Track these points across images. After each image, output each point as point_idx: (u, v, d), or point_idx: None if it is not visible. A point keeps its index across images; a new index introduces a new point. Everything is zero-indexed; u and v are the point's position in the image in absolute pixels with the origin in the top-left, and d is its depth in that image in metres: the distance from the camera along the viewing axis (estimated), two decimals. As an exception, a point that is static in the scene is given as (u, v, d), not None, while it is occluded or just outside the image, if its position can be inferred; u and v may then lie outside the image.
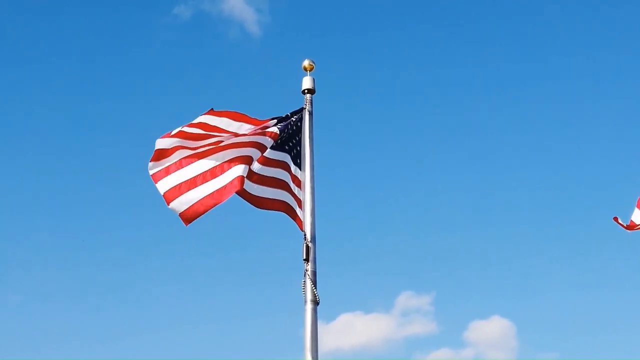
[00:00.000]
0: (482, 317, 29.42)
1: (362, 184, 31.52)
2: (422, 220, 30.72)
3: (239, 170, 8.57)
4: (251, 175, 8.86)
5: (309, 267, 8.57)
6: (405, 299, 28.97)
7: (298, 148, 9.32)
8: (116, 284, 28.01)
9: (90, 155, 30.72)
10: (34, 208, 29.97)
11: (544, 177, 31.45)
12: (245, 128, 9.15)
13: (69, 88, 31.61)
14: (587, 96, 32.14)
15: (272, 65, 31.40)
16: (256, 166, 8.98)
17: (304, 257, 8.60)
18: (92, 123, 31.44)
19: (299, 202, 9.06)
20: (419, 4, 33.40)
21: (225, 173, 8.63)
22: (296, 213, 9.03)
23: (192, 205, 8.55)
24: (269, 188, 9.09)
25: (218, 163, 8.68)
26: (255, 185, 9.03)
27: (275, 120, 9.24)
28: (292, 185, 9.19)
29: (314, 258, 8.66)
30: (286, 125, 9.20)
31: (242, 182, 8.55)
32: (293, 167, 9.27)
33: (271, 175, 9.10)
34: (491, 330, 28.64)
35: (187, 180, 8.67)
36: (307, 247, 8.64)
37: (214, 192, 8.57)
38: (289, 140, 9.27)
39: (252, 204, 9.01)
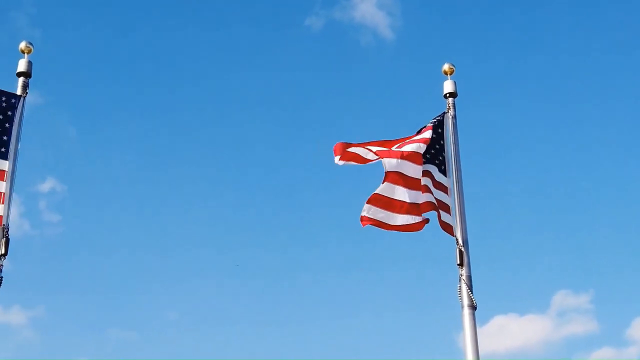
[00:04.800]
0: (646, 314, 28.36)
1: (512, 184, 30.90)
2: (576, 217, 29.92)
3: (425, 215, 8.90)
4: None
5: (464, 271, 8.52)
6: (562, 299, 28.28)
7: (442, 155, 9.23)
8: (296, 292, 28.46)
9: (255, 178, 31.12)
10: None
11: None
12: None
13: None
14: None
15: (409, 70, 31.16)
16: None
17: (458, 262, 8.55)
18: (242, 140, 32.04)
19: (447, 208, 8.99)
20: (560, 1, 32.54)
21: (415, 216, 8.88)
22: (443, 219, 8.97)
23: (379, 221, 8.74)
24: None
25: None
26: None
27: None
28: (435, 190, 9.11)
29: (468, 262, 8.60)
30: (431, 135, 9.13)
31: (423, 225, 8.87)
32: (437, 175, 9.20)
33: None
34: (656, 327, 27.56)
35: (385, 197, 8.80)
36: (460, 251, 8.59)
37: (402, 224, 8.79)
38: (431, 147, 9.18)
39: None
